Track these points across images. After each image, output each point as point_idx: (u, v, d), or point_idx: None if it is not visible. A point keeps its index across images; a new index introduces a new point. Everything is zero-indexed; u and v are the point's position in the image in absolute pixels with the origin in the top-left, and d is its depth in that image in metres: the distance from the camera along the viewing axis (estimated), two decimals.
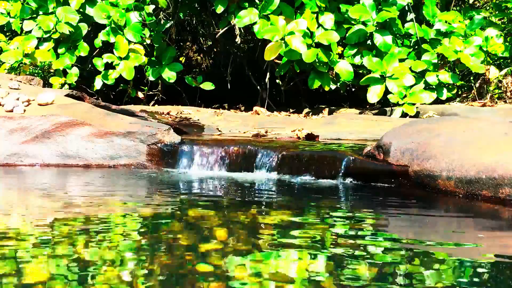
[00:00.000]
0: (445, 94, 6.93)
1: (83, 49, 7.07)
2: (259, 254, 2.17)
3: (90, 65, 7.45)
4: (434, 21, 7.17)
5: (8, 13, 7.25)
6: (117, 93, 8.06)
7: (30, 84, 5.46)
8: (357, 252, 2.21)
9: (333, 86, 7.20)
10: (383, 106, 7.33)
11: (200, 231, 2.52)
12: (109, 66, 7.12)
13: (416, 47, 7.20)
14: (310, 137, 4.99)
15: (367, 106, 7.65)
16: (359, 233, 2.53)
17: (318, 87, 7.19)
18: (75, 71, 7.04)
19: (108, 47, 7.41)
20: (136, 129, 4.57)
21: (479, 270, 2.05)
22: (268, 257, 2.14)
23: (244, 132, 5.57)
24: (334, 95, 8.38)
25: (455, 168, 3.40)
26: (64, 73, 7.04)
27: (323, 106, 7.78)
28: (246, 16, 7.03)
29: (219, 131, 5.66)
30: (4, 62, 6.78)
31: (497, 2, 7.62)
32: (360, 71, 7.18)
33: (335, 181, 3.93)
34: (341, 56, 7.06)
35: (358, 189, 3.79)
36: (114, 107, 5.35)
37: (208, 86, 7.76)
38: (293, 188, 3.79)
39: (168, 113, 6.43)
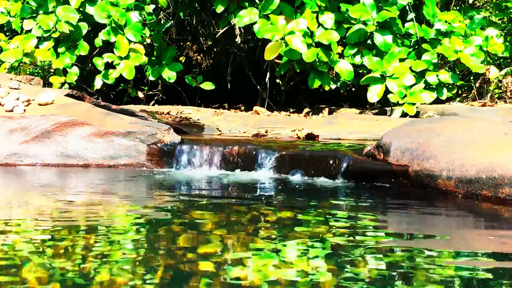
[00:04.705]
0: (445, 94, 6.93)
1: (83, 49, 7.07)
2: (259, 254, 2.17)
3: (90, 65, 7.46)
4: (434, 21, 7.16)
5: (8, 12, 7.25)
6: (117, 93, 8.05)
7: (30, 84, 5.45)
8: (357, 252, 2.21)
9: (333, 86, 7.20)
10: (383, 106, 7.33)
11: (200, 231, 2.52)
12: (109, 65, 7.12)
13: (416, 46, 7.20)
14: (310, 137, 4.99)
15: (367, 106, 7.65)
16: (359, 233, 2.53)
17: (318, 87, 7.19)
18: (75, 70, 7.04)
19: (108, 46, 7.41)
20: (136, 129, 4.57)
21: (479, 270, 2.05)
22: (269, 256, 2.14)
23: (244, 132, 5.57)
24: (334, 95, 8.38)
25: (455, 168, 3.40)
26: (64, 72, 7.04)
27: (323, 106, 7.78)
28: (246, 16, 7.03)
29: (219, 131, 5.66)
30: (4, 62, 6.78)
31: (497, 1, 7.62)
32: (360, 71, 7.18)
33: (335, 180, 3.93)
34: (341, 55, 7.06)
35: (358, 189, 3.79)
36: (114, 107, 5.35)
37: (208, 86, 7.76)
38: (293, 188, 3.79)
39: (168, 113, 6.43)
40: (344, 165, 3.93)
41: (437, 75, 6.87)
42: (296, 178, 4.04)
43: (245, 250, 2.22)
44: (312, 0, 6.93)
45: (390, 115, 6.83)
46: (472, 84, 7.45)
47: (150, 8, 7.21)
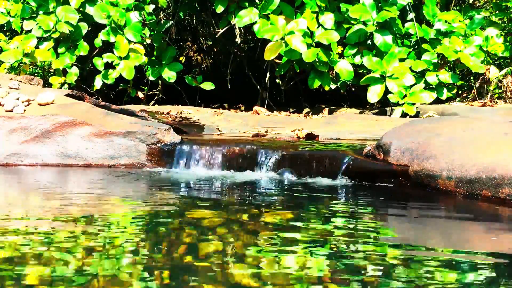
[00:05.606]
0: (445, 94, 6.93)
1: (83, 49, 7.07)
2: (259, 254, 2.17)
3: (90, 65, 7.45)
4: (434, 20, 7.17)
5: (8, 13, 7.25)
6: (117, 93, 8.06)
7: (30, 84, 5.45)
8: (357, 252, 2.21)
9: (333, 86, 7.20)
10: (383, 106, 7.33)
11: (200, 231, 2.52)
12: (109, 65, 7.12)
13: (416, 47, 7.20)
14: (310, 137, 4.99)
15: (367, 106, 7.65)
16: (359, 233, 2.53)
17: (318, 87, 7.19)
18: (74, 70, 7.04)
19: (108, 46, 7.41)
20: (136, 129, 4.57)
21: (479, 270, 2.05)
22: (268, 256, 2.14)
23: (244, 132, 5.57)
24: (334, 95, 8.38)
25: (455, 168, 3.40)
26: (64, 72, 7.04)
27: (323, 106, 7.78)
28: (246, 16, 7.03)
29: (219, 131, 5.66)
30: (4, 62, 6.78)
31: (497, 1, 7.62)
32: (360, 71, 7.18)
33: (335, 180, 3.93)
34: (341, 55, 7.06)
35: (358, 189, 3.79)
36: (114, 107, 5.35)
37: (208, 86, 7.76)
38: (293, 188, 3.79)
39: (168, 113, 6.43)
40: (344, 165, 3.93)
41: (437, 75, 6.86)
42: (296, 177, 4.04)
43: (245, 250, 2.22)
44: (312, 0, 6.93)
45: (390, 115, 6.83)
46: (472, 84, 7.45)
47: (150, 8, 7.21)
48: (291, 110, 8.13)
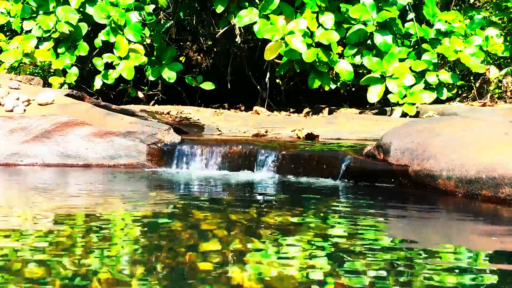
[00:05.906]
0: (445, 94, 6.93)
1: (83, 49, 7.07)
2: (259, 254, 2.17)
3: (90, 65, 7.46)
4: (434, 20, 7.17)
5: (8, 13, 7.25)
6: (117, 93, 8.06)
7: (30, 84, 5.45)
8: (357, 252, 2.21)
9: (333, 86, 7.20)
10: (383, 106, 7.33)
11: (200, 231, 2.52)
12: (109, 66, 7.12)
13: (416, 46, 7.20)
14: (310, 136, 4.99)
15: (367, 106, 7.65)
16: (359, 233, 2.53)
17: (318, 87, 7.19)
18: (74, 70, 7.04)
19: (108, 47, 7.41)
20: (136, 129, 4.57)
21: (479, 270, 2.05)
22: (268, 257, 2.14)
23: (244, 132, 5.57)
24: (334, 95, 8.38)
25: (455, 168, 3.40)
26: (64, 72, 7.04)
27: (323, 106, 7.78)
28: (246, 16, 7.03)
29: (219, 131, 5.66)
30: (4, 62, 6.78)
31: (497, 1, 7.62)
32: (360, 71, 7.18)
33: (335, 181, 3.93)
34: (341, 55, 7.06)
35: (358, 189, 3.78)
36: (114, 107, 5.35)
37: (208, 86, 7.76)
38: (293, 188, 3.79)
39: (168, 113, 6.43)
40: (344, 165, 3.93)
41: (437, 75, 6.86)
42: (296, 178, 4.03)
43: (245, 250, 2.22)
44: (312, 0, 6.93)
45: (390, 115, 6.83)
46: (472, 84, 7.45)
47: (150, 8, 7.21)
48: (291, 110, 8.13)
